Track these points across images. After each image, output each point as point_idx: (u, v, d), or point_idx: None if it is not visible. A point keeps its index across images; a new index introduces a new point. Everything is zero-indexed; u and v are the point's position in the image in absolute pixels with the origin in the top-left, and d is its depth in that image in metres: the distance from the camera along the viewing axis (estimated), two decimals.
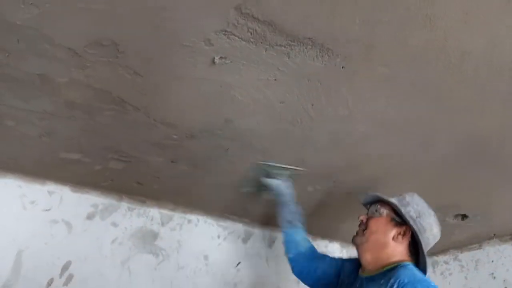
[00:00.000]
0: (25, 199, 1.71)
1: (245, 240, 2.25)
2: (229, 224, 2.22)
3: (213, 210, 2.14)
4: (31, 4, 0.95)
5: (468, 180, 1.86)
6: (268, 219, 2.22)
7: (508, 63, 1.19)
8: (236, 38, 1.08)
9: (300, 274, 1.67)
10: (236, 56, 1.14)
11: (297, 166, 1.70)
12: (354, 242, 1.48)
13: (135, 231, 1.93)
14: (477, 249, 2.48)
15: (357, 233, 1.48)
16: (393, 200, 1.43)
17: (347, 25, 1.04)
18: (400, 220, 1.41)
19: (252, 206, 2.08)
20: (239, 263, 2.18)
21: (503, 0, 0.98)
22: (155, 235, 1.97)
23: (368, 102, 1.35)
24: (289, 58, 1.16)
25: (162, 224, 2.01)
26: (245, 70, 1.20)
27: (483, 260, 2.43)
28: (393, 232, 1.40)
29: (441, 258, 2.65)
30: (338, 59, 1.16)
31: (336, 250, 2.61)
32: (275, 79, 1.24)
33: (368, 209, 1.52)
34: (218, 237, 2.17)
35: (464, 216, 2.19)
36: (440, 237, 1.45)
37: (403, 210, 1.38)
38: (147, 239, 1.95)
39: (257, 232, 2.30)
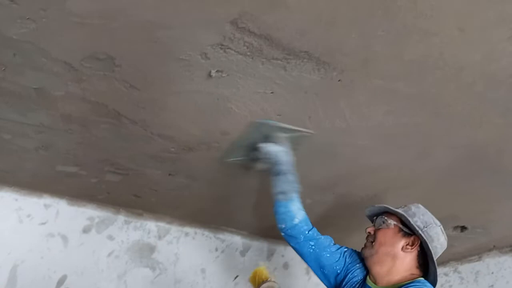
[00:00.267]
0: (21, 212, 1.70)
1: (243, 253, 2.23)
2: (227, 236, 2.20)
3: (211, 222, 2.13)
4: (27, 18, 0.95)
5: (467, 191, 1.85)
6: (267, 232, 2.20)
7: (505, 76, 1.19)
8: (233, 51, 1.08)
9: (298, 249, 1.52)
10: (233, 69, 1.14)
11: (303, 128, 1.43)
12: (363, 254, 1.47)
13: (132, 245, 1.91)
14: (477, 261, 2.46)
15: (365, 246, 1.47)
16: (400, 210, 1.42)
17: (343, 39, 1.04)
18: (408, 230, 1.40)
19: (250, 218, 2.06)
20: (237, 276, 2.16)
21: (498, 16, 0.98)
22: (152, 249, 1.96)
23: (365, 114, 1.35)
24: (285, 71, 1.16)
25: (159, 237, 1.99)
26: (241, 83, 1.20)
27: (483, 272, 2.41)
28: (402, 242, 1.39)
29: (440, 270, 2.61)
30: (334, 72, 1.16)
31: None
32: (272, 92, 1.24)
33: (373, 221, 1.51)
34: (216, 250, 2.15)
35: (463, 228, 2.18)
36: None
37: (411, 220, 1.38)
38: (144, 253, 1.93)
39: (255, 244, 2.28)
